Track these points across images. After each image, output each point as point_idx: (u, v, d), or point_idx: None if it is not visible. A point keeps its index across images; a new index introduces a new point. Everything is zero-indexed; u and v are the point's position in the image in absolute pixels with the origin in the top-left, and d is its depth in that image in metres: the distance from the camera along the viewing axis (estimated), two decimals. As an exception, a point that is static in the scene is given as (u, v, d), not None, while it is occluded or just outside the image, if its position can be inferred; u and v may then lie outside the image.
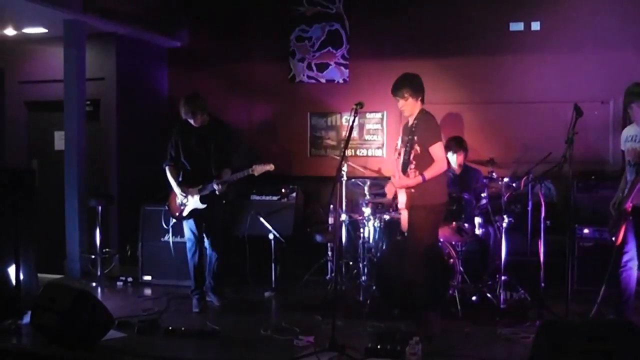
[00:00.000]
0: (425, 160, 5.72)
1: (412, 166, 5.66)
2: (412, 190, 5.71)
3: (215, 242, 6.93)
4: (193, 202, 6.83)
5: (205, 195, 6.76)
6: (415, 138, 5.70)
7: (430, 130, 5.78)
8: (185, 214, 6.90)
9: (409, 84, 5.83)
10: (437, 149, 5.76)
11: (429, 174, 5.68)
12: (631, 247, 5.67)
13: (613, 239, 5.79)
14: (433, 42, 8.53)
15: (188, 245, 7.00)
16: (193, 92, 6.97)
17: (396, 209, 6.17)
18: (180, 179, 6.94)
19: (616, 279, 5.77)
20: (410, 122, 5.87)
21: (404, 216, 5.87)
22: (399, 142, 5.94)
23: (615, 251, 5.78)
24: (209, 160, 6.83)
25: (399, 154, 5.88)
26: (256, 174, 6.73)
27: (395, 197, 5.92)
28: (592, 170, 7.51)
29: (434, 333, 5.77)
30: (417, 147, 5.70)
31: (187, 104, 6.74)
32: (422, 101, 5.91)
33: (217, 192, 6.71)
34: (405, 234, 5.96)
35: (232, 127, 7.46)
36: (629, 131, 5.84)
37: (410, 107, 5.87)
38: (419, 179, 5.65)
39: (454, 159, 7.40)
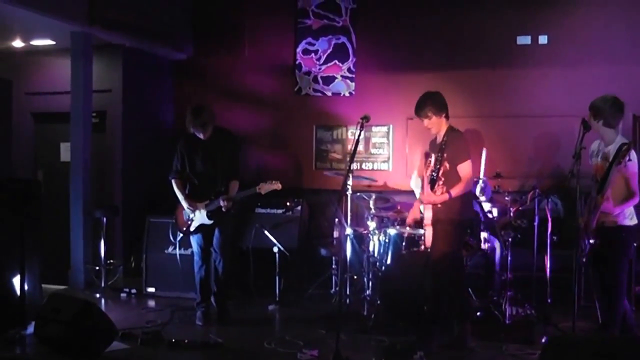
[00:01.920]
0: (453, 177, 5.77)
1: (440, 182, 5.75)
2: (439, 205, 5.77)
3: (223, 252, 6.88)
4: (200, 217, 6.79)
5: (212, 211, 6.73)
6: (445, 155, 5.76)
7: (460, 148, 5.81)
8: (192, 228, 6.87)
9: (431, 103, 5.86)
10: (465, 168, 5.78)
11: (456, 191, 5.72)
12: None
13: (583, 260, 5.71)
14: (439, 55, 8.54)
15: (195, 259, 6.96)
16: (198, 104, 6.93)
17: (402, 224, 6.18)
18: (187, 192, 6.90)
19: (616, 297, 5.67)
20: (440, 139, 5.91)
21: (428, 233, 5.89)
22: (432, 159, 5.90)
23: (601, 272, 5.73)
24: (216, 173, 6.79)
25: (428, 170, 5.88)
26: (263, 192, 6.69)
27: (420, 212, 6.00)
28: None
29: (469, 345, 5.85)
30: (446, 164, 5.77)
31: (196, 117, 6.62)
32: (447, 117, 5.93)
33: (223, 209, 6.69)
34: (429, 249, 5.95)
35: (239, 137, 7.43)
36: (593, 146, 5.75)
37: (436, 125, 5.91)
38: (446, 196, 5.70)
39: None
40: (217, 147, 6.80)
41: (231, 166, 6.85)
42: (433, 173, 5.78)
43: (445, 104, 5.92)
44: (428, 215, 5.84)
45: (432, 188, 5.76)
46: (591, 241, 5.42)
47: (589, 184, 5.77)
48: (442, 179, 5.75)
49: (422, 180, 5.95)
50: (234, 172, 6.86)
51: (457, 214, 5.80)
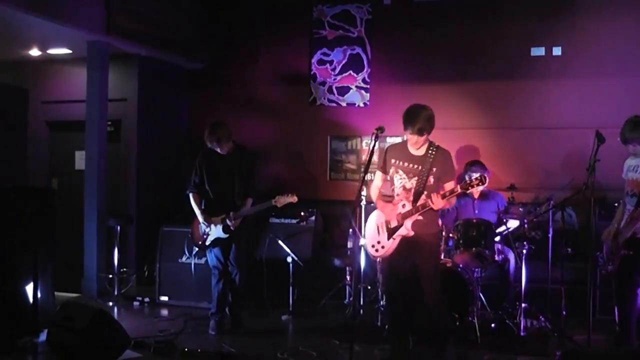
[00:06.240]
0: (433, 192, 5.60)
1: (424, 196, 5.56)
2: (421, 218, 5.58)
3: (240, 265, 6.88)
4: (216, 232, 6.81)
5: (228, 225, 6.75)
6: (434, 170, 5.60)
7: (450, 168, 5.78)
8: (208, 243, 6.88)
9: (430, 122, 5.58)
10: (451, 186, 5.66)
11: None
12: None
13: (609, 268, 5.70)
14: (454, 66, 8.52)
15: (213, 272, 6.95)
16: (218, 120, 6.96)
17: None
18: (203, 206, 6.92)
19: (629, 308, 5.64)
20: (420, 152, 5.67)
21: (394, 244, 5.70)
22: (403, 168, 5.70)
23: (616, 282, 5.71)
24: (232, 189, 6.82)
25: (408, 180, 5.70)
26: (279, 205, 6.73)
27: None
28: (613, 198, 7.42)
29: None
30: (431, 179, 5.61)
31: (212, 132, 6.70)
32: None
33: (232, 228, 6.71)
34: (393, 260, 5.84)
35: (256, 154, 7.43)
36: (631, 162, 5.78)
37: (424, 140, 5.70)
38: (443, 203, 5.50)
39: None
40: (235, 163, 6.84)
41: (247, 184, 6.89)
42: (417, 186, 5.58)
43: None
44: (393, 224, 5.63)
45: (416, 200, 5.56)
46: (623, 252, 5.44)
47: (603, 197, 5.77)
48: (426, 192, 5.55)
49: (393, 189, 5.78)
50: (249, 189, 6.90)
51: (437, 226, 5.88)
